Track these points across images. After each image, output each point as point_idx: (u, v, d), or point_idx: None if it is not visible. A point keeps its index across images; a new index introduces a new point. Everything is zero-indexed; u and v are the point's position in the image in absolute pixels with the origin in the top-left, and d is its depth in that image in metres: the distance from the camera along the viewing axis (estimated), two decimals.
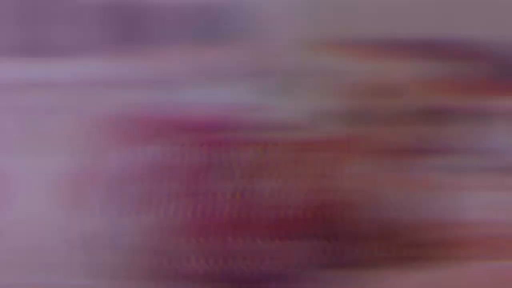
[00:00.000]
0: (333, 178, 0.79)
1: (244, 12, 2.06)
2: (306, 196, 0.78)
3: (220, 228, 0.81)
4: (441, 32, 1.48)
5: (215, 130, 0.84)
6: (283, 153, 0.82)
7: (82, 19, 1.42)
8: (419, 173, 1.02)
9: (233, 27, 2.15)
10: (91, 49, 1.77)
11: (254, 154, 0.82)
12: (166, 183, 0.82)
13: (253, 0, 1.69)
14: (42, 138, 0.91)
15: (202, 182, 0.80)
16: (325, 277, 0.77)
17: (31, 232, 0.86)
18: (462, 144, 1.17)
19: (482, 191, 1.04)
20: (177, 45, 2.03)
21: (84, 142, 0.84)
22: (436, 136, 1.17)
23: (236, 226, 0.80)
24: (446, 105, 1.26)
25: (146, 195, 0.82)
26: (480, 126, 1.26)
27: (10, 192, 0.86)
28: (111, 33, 1.52)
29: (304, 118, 1.21)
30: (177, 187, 0.81)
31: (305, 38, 1.50)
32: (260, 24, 2.04)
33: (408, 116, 1.10)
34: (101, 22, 1.57)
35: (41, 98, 1.84)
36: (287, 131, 0.85)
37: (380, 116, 0.96)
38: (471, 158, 1.16)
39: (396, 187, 0.93)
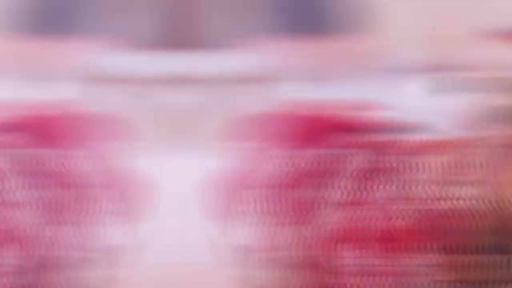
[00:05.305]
0: (455, 185, 0.73)
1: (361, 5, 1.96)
2: (423, 204, 0.73)
3: (384, 239, 0.74)
4: None
5: (375, 131, 0.76)
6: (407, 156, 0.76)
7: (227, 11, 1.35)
8: None
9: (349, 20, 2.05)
10: (239, 41, 1.66)
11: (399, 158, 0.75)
12: (326, 189, 0.75)
13: None
14: (189, 138, 0.83)
15: (365, 189, 0.73)
16: None
17: (175, 246, 0.78)
18: None
19: None
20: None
21: (235, 142, 0.76)
22: None
23: (405, 237, 0.74)
24: None
25: (305, 203, 0.75)
26: None
27: (153, 200, 0.78)
28: (262, 24, 1.44)
29: (463, 116, 1.12)
30: (339, 194, 0.74)
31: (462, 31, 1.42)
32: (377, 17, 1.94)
33: None
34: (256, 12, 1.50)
35: (187, 93, 1.76)
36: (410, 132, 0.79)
37: None
38: None
39: None
